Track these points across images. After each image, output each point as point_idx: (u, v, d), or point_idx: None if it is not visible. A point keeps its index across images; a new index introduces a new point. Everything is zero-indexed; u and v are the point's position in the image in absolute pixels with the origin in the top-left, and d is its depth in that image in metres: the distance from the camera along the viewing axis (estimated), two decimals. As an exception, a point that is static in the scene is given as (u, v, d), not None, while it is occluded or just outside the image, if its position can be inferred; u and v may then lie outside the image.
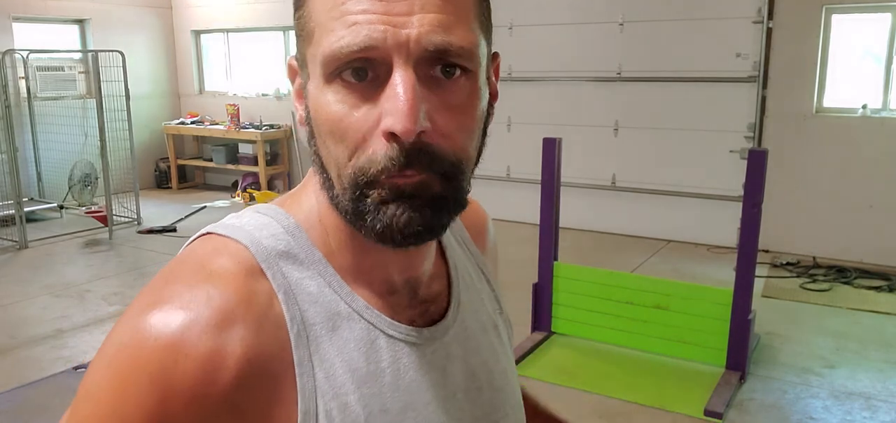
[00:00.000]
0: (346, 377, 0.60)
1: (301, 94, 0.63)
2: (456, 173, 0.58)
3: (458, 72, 0.56)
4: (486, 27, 0.60)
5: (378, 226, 0.57)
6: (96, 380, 0.55)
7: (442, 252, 0.73)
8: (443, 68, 0.56)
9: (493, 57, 0.64)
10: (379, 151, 0.55)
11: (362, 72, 0.55)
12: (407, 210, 0.56)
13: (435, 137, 0.55)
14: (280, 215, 0.64)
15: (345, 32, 0.54)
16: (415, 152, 0.55)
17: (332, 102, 0.56)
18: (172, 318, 0.54)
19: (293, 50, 0.63)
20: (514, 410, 0.76)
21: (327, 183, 0.60)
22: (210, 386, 0.54)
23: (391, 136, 0.54)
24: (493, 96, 0.65)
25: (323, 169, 0.60)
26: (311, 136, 0.61)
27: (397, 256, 0.64)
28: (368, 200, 0.57)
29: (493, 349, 0.74)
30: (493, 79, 0.65)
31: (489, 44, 0.61)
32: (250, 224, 0.62)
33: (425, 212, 0.57)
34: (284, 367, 0.58)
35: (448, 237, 0.75)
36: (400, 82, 0.54)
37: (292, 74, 0.65)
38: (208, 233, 0.63)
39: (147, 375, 0.53)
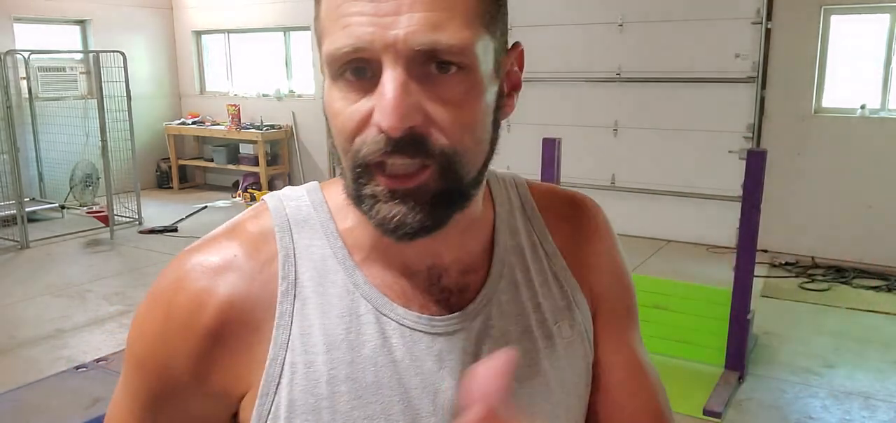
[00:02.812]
0: (320, 340, 0.65)
1: None
2: (452, 165, 0.59)
3: (453, 68, 0.58)
4: (491, 20, 0.60)
5: (372, 221, 0.62)
6: (144, 298, 0.69)
7: (493, 245, 0.73)
8: (437, 65, 0.57)
9: (513, 47, 0.66)
10: (369, 137, 0.58)
11: (362, 70, 0.58)
12: (400, 212, 0.60)
13: (427, 128, 0.58)
14: (313, 191, 0.72)
15: (340, 35, 0.57)
16: (403, 142, 0.57)
17: (337, 98, 0.60)
18: (190, 259, 0.67)
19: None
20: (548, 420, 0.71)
21: (341, 171, 0.65)
22: (195, 316, 0.64)
23: (380, 129, 0.57)
24: (515, 87, 0.67)
25: (338, 158, 0.65)
26: (328, 128, 0.65)
27: (415, 244, 0.64)
28: (365, 190, 0.61)
29: (532, 358, 0.71)
30: (516, 69, 0.67)
31: (496, 36, 0.62)
32: (285, 196, 0.71)
33: (421, 212, 0.60)
34: (267, 317, 0.65)
35: (511, 234, 0.74)
36: (387, 81, 0.56)
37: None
38: (263, 199, 0.73)
39: (161, 300, 0.67)
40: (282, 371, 0.64)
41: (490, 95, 0.62)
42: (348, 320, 0.65)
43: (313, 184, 0.73)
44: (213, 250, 0.66)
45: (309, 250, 0.67)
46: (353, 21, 0.56)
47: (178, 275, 0.66)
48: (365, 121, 0.59)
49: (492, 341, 0.69)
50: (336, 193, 0.69)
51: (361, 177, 0.60)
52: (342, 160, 0.63)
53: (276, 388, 0.64)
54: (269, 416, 0.64)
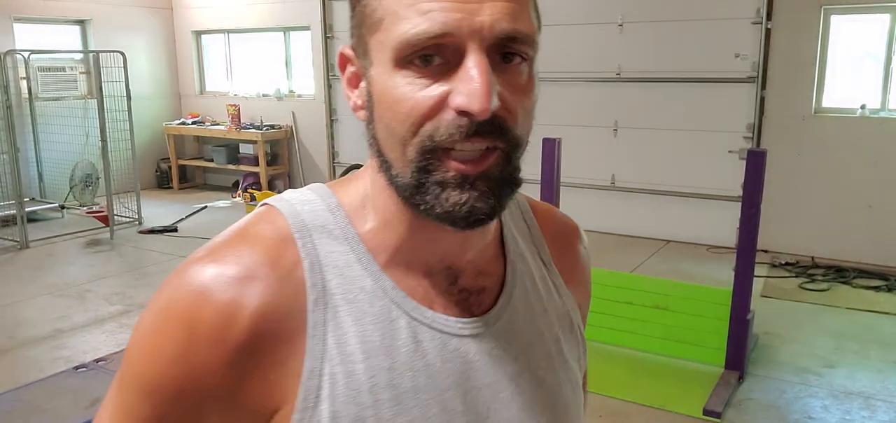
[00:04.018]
0: (357, 347, 0.64)
1: (354, 81, 0.66)
2: (516, 150, 0.61)
3: (517, 58, 0.60)
4: (539, 17, 0.63)
5: (438, 210, 0.60)
6: (144, 317, 0.64)
7: (503, 250, 0.75)
8: (503, 55, 0.59)
9: None
10: (445, 120, 0.58)
11: (429, 57, 0.58)
12: (470, 198, 0.60)
13: (503, 112, 0.59)
14: (325, 195, 0.69)
15: (420, 20, 0.57)
16: (485, 125, 0.58)
17: (401, 84, 0.59)
18: (206, 270, 0.62)
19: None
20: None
21: (385, 164, 0.63)
22: (226, 330, 0.60)
23: (464, 113, 0.57)
24: None
25: (380, 151, 0.63)
26: (371, 120, 0.64)
27: (439, 241, 0.66)
28: (432, 177, 0.60)
29: (547, 360, 0.74)
30: None
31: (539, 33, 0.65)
32: (296, 199, 0.68)
33: (491, 197, 0.61)
34: (299, 326, 0.63)
35: (516, 241, 0.76)
36: (475, 65, 0.57)
37: (344, 62, 0.68)
38: (266, 204, 0.69)
39: (178, 315, 0.61)
40: (321, 383, 0.62)
41: (537, 87, 0.64)
42: (382, 326, 0.65)
43: (320, 186, 0.71)
44: (231, 259, 0.62)
45: (332, 256, 0.65)
46: (436, 7, 0.56)
47: (197, 287, 0.61)
48: (439, 105, 0.58)
49: (512, 345, 0.71)
50: (350, 194, 0.69)
51: (429, 163, 0.60)
52: (397, 150, 0.61)
53: (316, 400, 0.62)
54: None
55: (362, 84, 0.64)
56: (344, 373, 0.63)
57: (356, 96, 0.66)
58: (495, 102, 0.57)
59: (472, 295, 0.70)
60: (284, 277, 0.63)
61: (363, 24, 0.62)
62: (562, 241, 0.82)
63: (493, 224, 0.72)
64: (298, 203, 0.68)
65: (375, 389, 0.63)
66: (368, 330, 0.64)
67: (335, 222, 0.67)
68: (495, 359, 0.69)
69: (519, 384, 0.70)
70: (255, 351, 0.61)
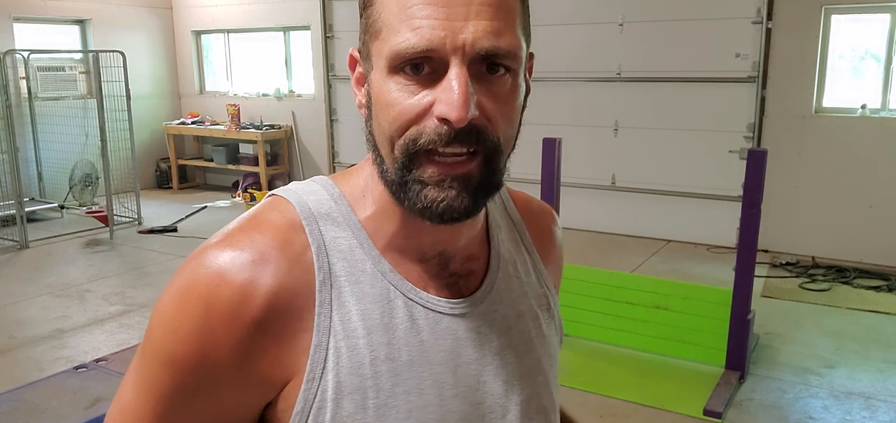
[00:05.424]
0: (359, 324, 0.70)
1: (361, 81, 0.73)
2: (495, 155, 0.67)
3: (501, 69, 0.65)
4: (527, 31, 0.69)
5: (418, 205, 0.67)
6: (165, 297, 0.70)
7: (488, 238, 0.81)
8: (488, 66, 0.64)
9: (529, 57, 0.73)
10: (429, 126, 0.64)
11: (419, 67, 0.64)
12: (447, 197, 0.66)
13: (481, 120, 0.64)
14: (328, 186, 0.76)
15: (410, 34, 0.63)
16: (463, 132, 0.63)
17: (393, 89, 0.65)
18: (223, 254, 0.68)
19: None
20: (541, 397, 0.81)
21: (378, 159, 0.70)
22: (242, 308, 0.66)
23: (444, 120, 0.63)
24: (528, 91, 0.74)
25: (376, 147, 0.70)
26: (369, 118, 0.70)
27: (431, 230, 0.72)
28: (413, 174, 0.66)
29: (527, 337, 0.81)
30: (527, 77, 0.73)
31: (528, 45, 0.70)
32: (302, 190, 0.75)
33: (463, 198, 0.66)
34: (308, 305, 0.69)
35: (500, 228, 0.83)
36: (455, 78, 0.63)
37: (353, 63, 0.74)
38: (274, 194, 0.75)
39: (197, 294, 0.67)
40: (327, 356, 0.68)
41: (522, 96, 0.69)
42: (382, 306, 0.71)
43: (323, 178, 0.77)
44: (246, 244, 0.68)
45: (336, 242, 0.72)
46: (425, 24, 0.62)
47: (216, 269, 0.67)
48: (424, 112, 0.64)
49: (496, 323, 0.78)
50: (351, 185, 0.76)
51: (411, 163, 0.66)
52: (386, 147, 0.67)
53: (322, 372, 0.68)
54: (316, 398, 0.68)
55: (365, 85, 0.71)
56: (347, 347, 0.69)
57: (361, 95, 0.73)
58: (473, 111, 0.63)
59: (461, 279, 0.77)
60: (294, 260, 0.69)
61: (367, 32, 0.68)
62: (539, 225, 0.90)
63: (481, 216, 0.78)
64: (304, 193, 0.74)
65: (376, 361, 0.70)
66: (369, 309, 0.71)
67: (338, 211, 0.73)
68: (482, 336, 0.76)
69: (503, 358, 0.77)
70: (268, 327, 0.67)
